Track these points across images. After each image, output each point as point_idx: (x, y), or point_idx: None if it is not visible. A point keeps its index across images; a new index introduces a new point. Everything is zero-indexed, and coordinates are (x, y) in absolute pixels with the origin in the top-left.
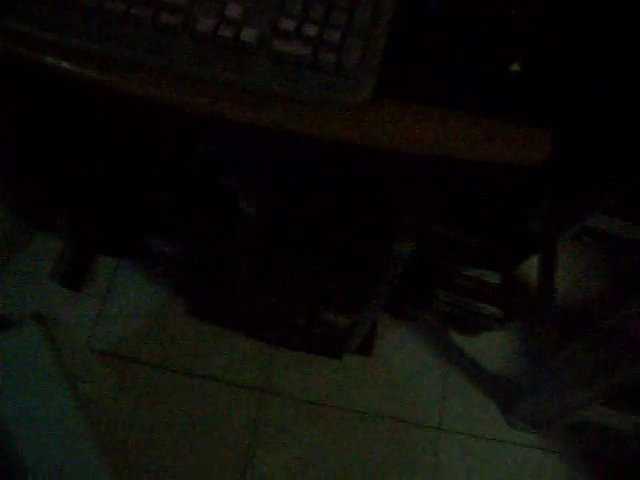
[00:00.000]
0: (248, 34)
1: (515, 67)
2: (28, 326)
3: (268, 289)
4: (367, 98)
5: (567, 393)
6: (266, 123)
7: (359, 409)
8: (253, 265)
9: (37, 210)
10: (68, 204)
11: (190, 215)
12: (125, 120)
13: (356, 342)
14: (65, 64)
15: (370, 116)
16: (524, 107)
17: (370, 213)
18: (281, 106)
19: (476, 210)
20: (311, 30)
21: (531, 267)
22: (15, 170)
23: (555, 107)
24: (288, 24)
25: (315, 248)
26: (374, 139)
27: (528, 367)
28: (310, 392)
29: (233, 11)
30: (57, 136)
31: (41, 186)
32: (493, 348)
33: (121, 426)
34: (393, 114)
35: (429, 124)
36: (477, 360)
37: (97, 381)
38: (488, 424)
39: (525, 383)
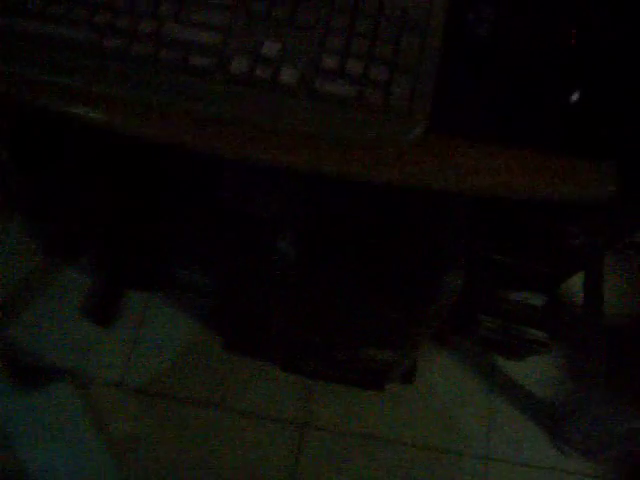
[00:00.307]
0: (287, 74)
1: (575, 96)
2: (61, 385)
3: (307, 327)
4: (420, 137)
5: (618, 420)
6: (308, 167)
7: (404, 440)
8: (291, 303)
9: (66, 246)
10: (96, 239)
11: (220, 247)
12: (153, 156)
13: (399, 374)
14: (93, 114)
15: (424, 157)
16: (586, 140)
17: (416, 247)
18: (325, 149)
19: (517, 230)
20: (355, 67)
21: (577, 286)
22: (44, 207)
23: (617, 137)
24: (330, 62)
25: (359, 286)
26: (428, 181)
27: (577, 391)
28: (352, 424)
29: (270, 50)
30: (87, 174)
31: (69, 222)
32: (540, 372)
33: (161, 464)
34: (448, 153)
35: (486, 164)
36: (523, 385)
37: (133, 420)
38: (537, 452)
39: (574, 408)
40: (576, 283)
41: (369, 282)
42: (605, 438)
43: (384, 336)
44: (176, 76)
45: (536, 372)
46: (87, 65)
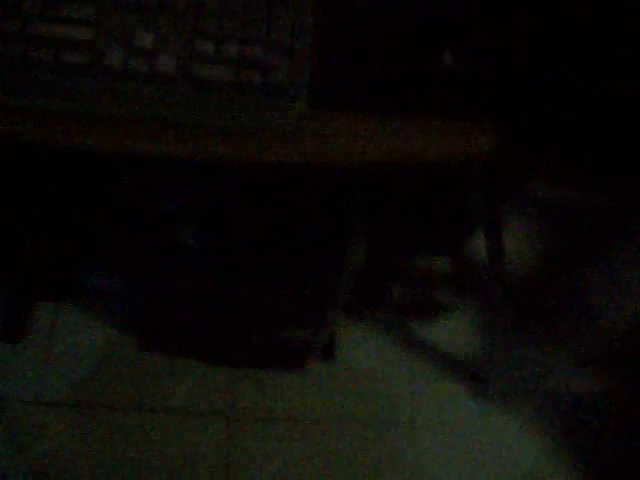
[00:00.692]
0: (163, 63)
1: (448, 59)
2: None
3: (219, 315)
4: (302, 114)
5: (531, 362)
6: (197, 155)
7: (330, 417)
8: (200, 293)
9: None
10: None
11: (127, 247)
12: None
13: (317, 350)
14: None
15: (308, 132)
16: (463, 100)
17: (315, 222)
18: (211, 136)
19: (413, 197)
20: (230, 50)
21: (479, 246)
22: None
23: (495, 97)
24: (205, 47)
25: (265, 268)
26: (317, 156)
27: (492, 344)
28: (278, 408)
29: (143, 40)
30: None
31: None
32: (453, 330)
33: (92, 474)
34: (332, 127)
35: (372, 132)
36: (441, 345)
37: (55, 435)
38: (461, 410)
39: (491, 360)
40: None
41: (272, 262)
42: (523, 382)
43: (296, 314)
44: (50, 76)
45: (452, 333)
46: None
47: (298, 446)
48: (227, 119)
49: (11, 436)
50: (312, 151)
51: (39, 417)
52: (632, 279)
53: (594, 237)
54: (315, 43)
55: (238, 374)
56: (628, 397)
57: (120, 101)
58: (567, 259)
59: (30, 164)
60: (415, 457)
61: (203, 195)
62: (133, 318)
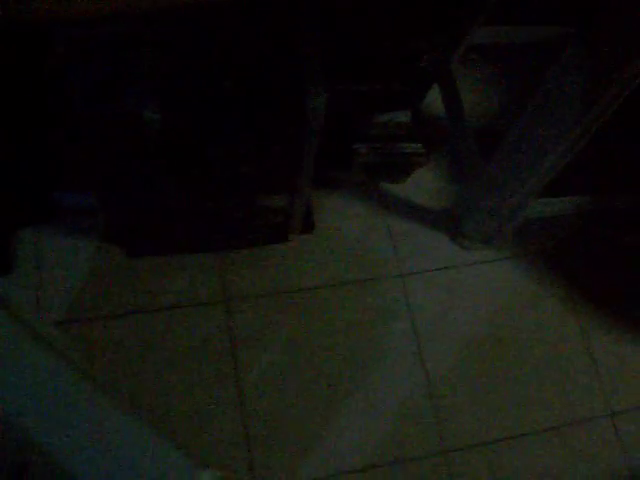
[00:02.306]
0: None
1: None
2: None
3: (197, 192)
4: None
5: (499, 197)
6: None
7: (322, 284)
8: (175, 172)
9: None
10: None
11: (98, 145)
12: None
13: (298, 222)
14: None
15: None
16: None
17: (276, 77)
18: None
19: (367, 56)
20: None
21: (436, 98)
22: None
23: None
24: None
25: (231, 132)
26: None
27: (462, 188)
28: (270, 284)
29: None
30: None
31: None
32: (424, 186)
33: (112, 380)
34: None
35: None
36: (415, 202)
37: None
38: (442, 255)
39: (464, 204)
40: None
41: (238, 124)
42: (495, 219)
43: (270, 180)
44: None
45: (421, 187)
46: None
47: (297, 317)
48: None
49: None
50: None
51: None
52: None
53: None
54: None
55: (227, 260)
56: None
57: None
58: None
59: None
60: (408, 304)
61: (158, 64)
62: (113, 228)
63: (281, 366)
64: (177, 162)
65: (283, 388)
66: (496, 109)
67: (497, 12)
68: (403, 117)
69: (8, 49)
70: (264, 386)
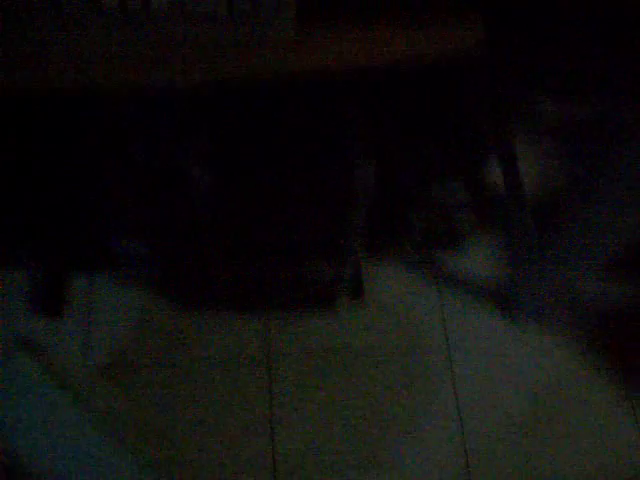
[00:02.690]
0: (159, 1)
1: None
2: (18, 357)
3: (246, 255)
4: (292, 30)
5: (556, 273)
6: (205, 80)
7: (365, 348)
8: (222, 233)
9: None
10: (28, 229)
11: (149, 205)
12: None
13: (346, 287)
14: None
15: (302, 45)
16: None
17: (324, 146)
18: (210, 60)
19: (426, 122)
20: None
21: (494, 168)
22: None
23: None
24: None
25: (280, 199)
26: (312, 65)
27: (516, 263)
28: (313, 345)
29: None
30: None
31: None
32: (478, 257)
33: (146, 426)
34: (323, 37)
35: (360, 37)
36: (466, 272)
37: (107, 395)
38: (494, 331)
39: (517, 279)
40: (495, 164)
41: (282, 189)
42: (550, 296)
43: (318, 245)
44: (52, 20)
45: (475, 258)
46: None
47: (338, 378)
48: (222, 45)
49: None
50: (306, 61)
51: (87, 382)
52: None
53: (602, 148)
54: None
55: (272, 317)
56: None
57: (120, 39)
58: (578, 174)
59: (47, 142)
60: (452, 380)
61: (209, 132)
62: (163, 280)
63: (317, 425)
64: (224, 225)
65: (318, 448)
66: (558, 183)
67: (566, 85)
68: (458, 186)
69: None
70: (298, 444)
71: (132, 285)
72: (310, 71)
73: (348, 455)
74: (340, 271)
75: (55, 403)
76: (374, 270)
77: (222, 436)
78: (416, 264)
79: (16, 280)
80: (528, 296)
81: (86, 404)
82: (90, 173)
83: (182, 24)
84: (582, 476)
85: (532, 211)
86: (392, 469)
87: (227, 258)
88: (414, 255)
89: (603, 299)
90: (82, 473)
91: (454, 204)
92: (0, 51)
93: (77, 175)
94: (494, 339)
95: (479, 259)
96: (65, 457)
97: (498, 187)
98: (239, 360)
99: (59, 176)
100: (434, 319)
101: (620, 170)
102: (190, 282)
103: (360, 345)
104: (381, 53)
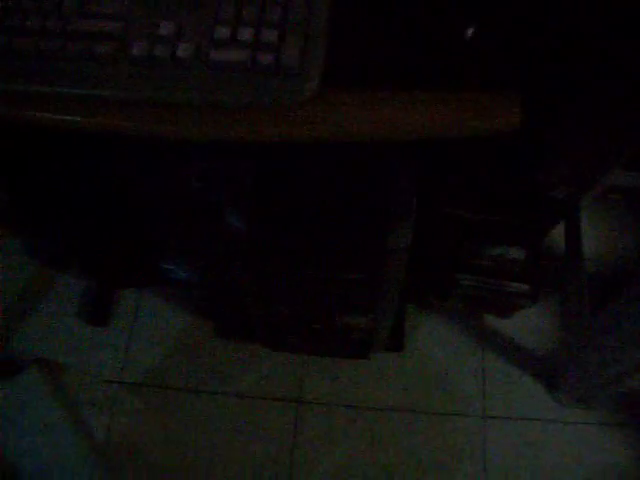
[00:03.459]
0: (183, 49)
1: (469, 33)
2: (31, 372)
3: (276, 301)
4: (315, 92)
5: (609, 361)
6: (218, 136)
7: (397, 407)
8: (251, 277)
9: (55, 254)
10: (82, 245)
11: (193, 236)
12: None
13: (383, 339)
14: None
15: (324, 110)
16: (486, 73)
17: (360, 209)
18: (228, 116)
19: (487, 185)
20: (246, 34)
21: (559, 235)
22: (29, 218)
23: (519, 68)
24: (222, 32)
25: (313, 254)
26: (334, 133)
27: (567, 340)
28: (345, 396)
29: (166, 29)
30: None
31: (55, 232)
32: (528, 325)
33: (164, 450)
34: (345, 104)
35: (389, 108)
36: (513, 340)
37: (135, 413)
38: (533, 405)
39: (566, 357)
40: (558, 232)
41: (319, 248)
42: (599, 382)
43: (350, 301)
44: (86, 66)
45: (525, 325)
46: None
47: (363, 435)
48: (242, 100)
49: (82, 412)
50: (327, 129)
51: (116, 397)
52: None
53: None
54: (331, 21)
55: (307, 362)
56: None
57: (146, 86)
58: None
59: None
60: (483, 449)
61: (247, 179)
62: (208, 304)
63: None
64: (259, 272)
65: None
66: (624, 257)
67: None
68: (517, 253)
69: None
70: None
71: (177, 306)
72: (332, 134)
73: None
74: (373, 326)
75: (53, 425)
76: (418, 326)
77: (238, 473)
78: (463, 325)
79: (67, 290)
80: (576, 377)
81: (109, 418)
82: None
83: (204, 72)
84: None
85: (591, 286)
86: None
87: (259, 301)
88: (461, 314)
89: None
90: None
91: (509, 269)
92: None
93: (136, 199)
94: (533, 416)
95: (530, 330)
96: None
97: (558, 257)
98: (268, 401)
99: (120, 199)
100: (474, 384)
101: None
102: (231, 315)
103: (391, 402)
104: (406, 124)
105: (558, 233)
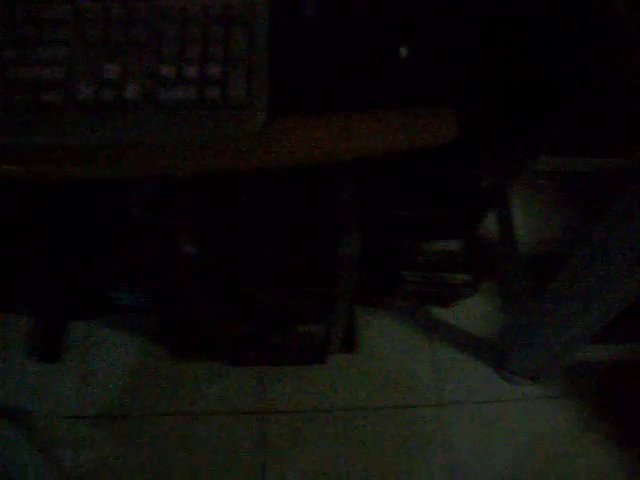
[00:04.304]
0: (130, 91)
1: (403, 52)
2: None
3: (233, 320)
4: (263, 122)
5: (551, 339)
6: (169, 172)
7: (359, 405)
8: (207, 299)
9: None
10: (24, 284)
11: (138, 264)
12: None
13: (337, 342)
14: None
15: (272, 138)
16: (422, 90)
17: (308, 223)
18: (181, 152)
19: (418, 183)
20: (191, 71)
21: (494, 224)
22: None
23: (453, 83)
24: (168, 71)
25: (264, 270)
26: (282, 159)
27: (510, 322)
28: (307, 402)
29: (111, 72)
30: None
31: None
32: (473, 312)
33: (133, 479)
34: (294, 130)
35: (333, 131)
36: (460, 328)
37: (97, 445)
38: (486, 387)
39: (511, 338)
40: (492, 221)
41: (271, 265)
42: (543, 358)
43: (304, 312)
44: (31, 115)
45: (470, 313)
46: None
47: (329, 437)
48: (193, 136)
49: (51, 452)
50: (278, 157)
51: (80, 431)
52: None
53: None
54: (271, 52)
55: (266, 372)
56: None
57: (94, 131)
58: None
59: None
60: (445, 436)
61: (201, 204)
62: (162, 328)
63: None
64: (213, 292)
65: None
66: (557, 238)
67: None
68: (455, 246)
69: None
70: None
71: (129, 334)
72: (282, 161)
73: None
74: (327, 332)
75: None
76: (368, 322)
77: None
78: (410, 318)
79: (13, 328)
80: (523, 355)
81: (75, 453)
82: (92, 229)
83: (154, 113)
84: None
85: (527, 269)
86: None
87: (211, 316)
88: (408, 310)
89: (597, 361)
90: None
91: (449, 260)
92: None
93: (78, 231)
94: (488, 398)
95: (474, 316)
96: None
97: (493, 241)
98: (233, 415)
99: (61, 231)
100: (427, 375)
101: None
102: (186, 335)
103: (352, 402)
104: (351, 146)
105: (492, 222)
